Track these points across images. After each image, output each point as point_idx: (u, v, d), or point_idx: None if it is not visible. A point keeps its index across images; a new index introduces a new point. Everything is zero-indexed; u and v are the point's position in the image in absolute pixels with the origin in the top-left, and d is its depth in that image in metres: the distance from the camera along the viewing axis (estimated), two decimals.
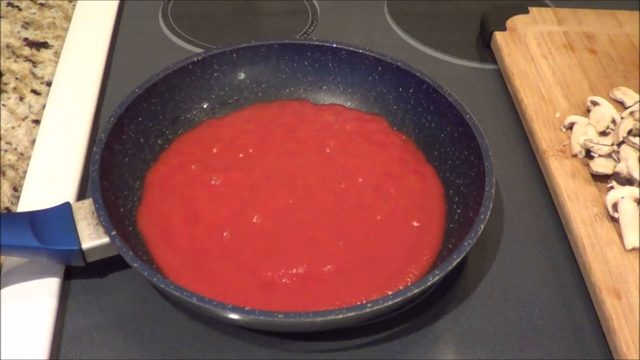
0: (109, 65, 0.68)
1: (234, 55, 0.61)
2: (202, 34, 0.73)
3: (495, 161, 0.51)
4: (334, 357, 0.47)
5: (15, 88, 0.65)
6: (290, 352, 0.47)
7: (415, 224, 0.52)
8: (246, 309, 0.42)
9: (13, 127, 0.61)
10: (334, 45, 0.61)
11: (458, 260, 0.45)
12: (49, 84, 0.65)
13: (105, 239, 0.47)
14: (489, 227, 0.48)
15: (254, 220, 0.52)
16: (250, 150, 0.57)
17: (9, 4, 0.75)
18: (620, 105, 0.63)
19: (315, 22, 0.76)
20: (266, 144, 0.58)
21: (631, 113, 0.60)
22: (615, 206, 0.53)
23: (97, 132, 0.57)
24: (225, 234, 0.51)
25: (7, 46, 0.69)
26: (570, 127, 0.60)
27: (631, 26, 0.73)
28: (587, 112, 0.62)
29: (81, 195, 0.55)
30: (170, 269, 0.49)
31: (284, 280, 0.48)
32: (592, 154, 0.57)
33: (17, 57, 0.68)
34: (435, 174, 0.56)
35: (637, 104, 0.60)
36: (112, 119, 0.53)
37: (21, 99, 0.64)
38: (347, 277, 0.49)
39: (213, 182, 0.54)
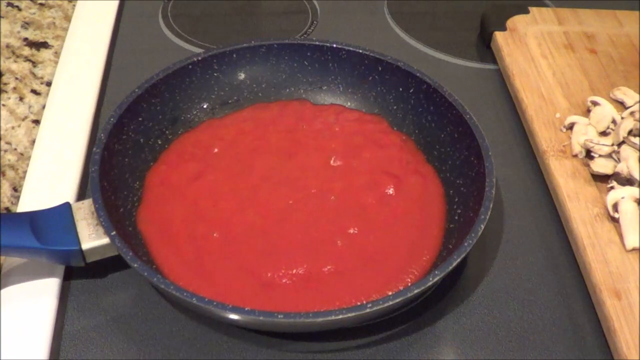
0: (109, 65, 0.68)
1: (234, 55, 0.61)
2: (202, 34, 0.73)
3: (495, 161, 0.51)
4: (334, 357, 0.47)
5: (15, 88, 0.65)
6: (290, 352, 0.47)
7: (415, 224, 0.52)
8: (246, 309, 0.42)
9: (13, 127, 0.61)
10: (334, 45, 0.61)
11: (458, 260, 0.45)
12: (48, 84, 0.65)
13: (105, 239, 0.47)
14: (489, 227, 0.48)
15: (254, 221, 0.52)
16: (250, 151, 0.57)
17: (9, 4, 0.75)
18: (621, 105, 0.63)
19: (315, 22, 0.76)
20: (266, 144, 0.58)
21: (631, 113, 0.60)
22: (615, 206, 0.53)
23: (97, 132, 0.57)
24: (225, 234, 0.51)
25: (7, 46, 0.69)
26: (571, 127, 0.60)
27: (631, 26, 0.73)
28: (587, 112, 0.62)
29: (81, 195, 0.55)
30: (170, 269, 0.49)
31: (284, 281, 0.48)
32: (592, 154, 0.57)
33: (17, 57, 0.68)
34: (435, 174, 0.56)
35: (637, 104, 0.60)
36: (112, 119, 0.53)
37: (21, 99, 0.64)
38: (347, 277, 0.48)
39: (213, 182, 0.54)
